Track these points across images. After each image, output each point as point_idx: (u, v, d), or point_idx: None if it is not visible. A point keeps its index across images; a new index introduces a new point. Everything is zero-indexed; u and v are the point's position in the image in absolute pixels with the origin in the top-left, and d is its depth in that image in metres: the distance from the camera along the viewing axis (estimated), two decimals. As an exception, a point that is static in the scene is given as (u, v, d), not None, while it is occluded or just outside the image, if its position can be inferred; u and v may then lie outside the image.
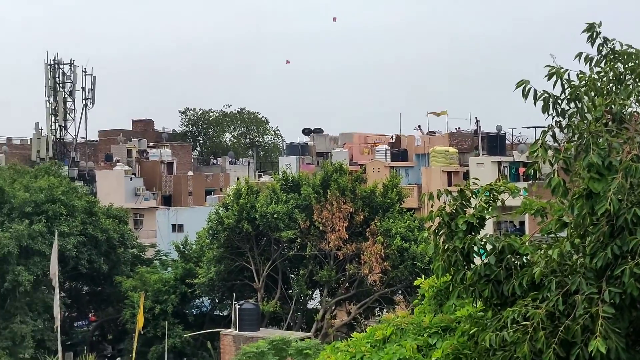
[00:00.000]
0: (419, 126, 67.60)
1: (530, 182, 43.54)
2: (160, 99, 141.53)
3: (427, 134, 66.28)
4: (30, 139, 77.05)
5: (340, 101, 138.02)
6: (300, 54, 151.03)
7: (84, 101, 78.32)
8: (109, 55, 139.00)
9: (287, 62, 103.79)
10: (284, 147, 78.82)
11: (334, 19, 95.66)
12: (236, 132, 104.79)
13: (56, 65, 77.34)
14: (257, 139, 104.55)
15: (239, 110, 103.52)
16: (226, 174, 78.59)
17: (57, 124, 77.01)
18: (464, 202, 8.46)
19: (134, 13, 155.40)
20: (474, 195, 8.55)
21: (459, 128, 66.84)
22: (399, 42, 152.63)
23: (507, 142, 61.60)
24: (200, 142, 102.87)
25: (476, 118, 65.44)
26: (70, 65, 78.05)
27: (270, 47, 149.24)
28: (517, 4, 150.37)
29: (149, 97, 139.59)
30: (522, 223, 47.22)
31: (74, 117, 78.18)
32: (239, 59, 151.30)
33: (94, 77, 78.74)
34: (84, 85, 78.34)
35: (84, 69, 78.49)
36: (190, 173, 77.99)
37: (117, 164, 74.87)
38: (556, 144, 8.03)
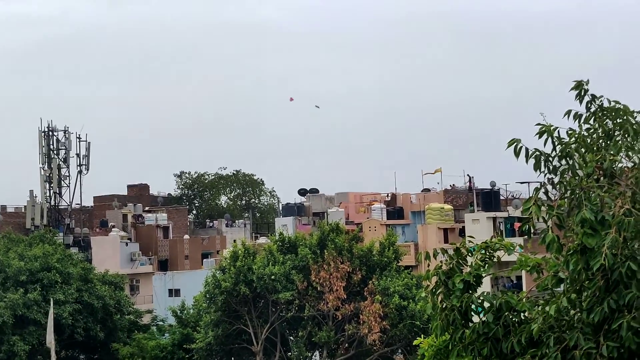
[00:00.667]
0: None
1: (525, 237, 43.43)
2: (155, 163, 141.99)
3: (422, 191, 66.47)
4: (25, 206, 76.98)
5: (336, 161, 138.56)
6: (295, 114, 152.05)
7: (78, 167, 78.48)
8: (103, 120, 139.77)
9: (291, 99, 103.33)
10: (280, 208, 78.89)
11: (291, 99, 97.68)
12: (232, 195, 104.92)
13: (50, 133, 77.70)
14: (253, 200, 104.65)
15: (235, 172, 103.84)
16: (222, 237, 78.48)
17: (51, 191, 77.05)
18: (460, 261, 8.52)
19: (126, 80, 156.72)
20: (469, 253, 8.62)
21: (453, 185, 67.07)
22: (391, 100, 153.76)
23: (501, 197, 61.78)
24: (196, 205, 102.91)
25: (469, 175, 65.66)
26: (65, 132, 78.43)
27: (267, 108, 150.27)
28: (504, 63, 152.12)
29: (143, 162, 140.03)
30: (519, 278, 47.10)
31: (69, 183, 78.31)
32: (235, 120, 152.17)
33: (89, 143, 79.05)
34: (78, 152, 78.61)
35: (78, 135, 78.85)
36: (186, 237, 77.85)
37: (113, 229, 74.75)
38: (549, 201, 8.12)
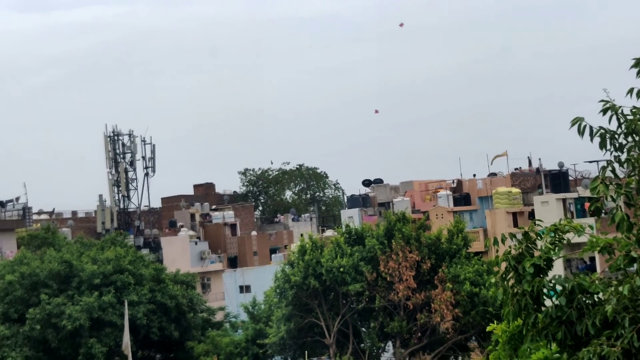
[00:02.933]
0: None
1: (596, 217, 42.72)
2: (220, 161, 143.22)
3: (488, 175, 65.82)
4: (95, 211, 78.39)
5: (398, 150, 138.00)
6: (358, 104, 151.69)
7: (144, 170, 79.64)
8: (167, 121, 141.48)
9: (376, 111, 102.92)
10: (345, 200, 78.93)
11: (376, 111, 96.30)
12: (296, 189, 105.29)
13: (115, 137, 78.95)
14: (318, 194, 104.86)
15: (298, 166, 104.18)
16: (289, 232, 78.87)
17: (120, 195, 78.35)
18: (530, 245, 8.41)
19: (186, 79, 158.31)
20: (539, 237, 8.49)
21: (518, 168, 66.28)
22: (457, 89, 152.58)
23: (570, 178, 60.83)
24: (262, 201, 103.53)
25: (529, 158, 64.74)
26: (130, 136, 79.62)
27: (329, 100, 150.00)
28: (572, 32, 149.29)
29: (208, 161, 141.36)
30: (592, 259, 46.37)
31: (136, 186, 79.52)
32: (294, 112, 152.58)
33: (153, 145, 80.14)
34: (144, 154, 79.76)
35: (143, 139, 79.99)
36: (254, 233, 78.41)
37: (182, 229, 75.69)
38: (617, 179, 7.96)
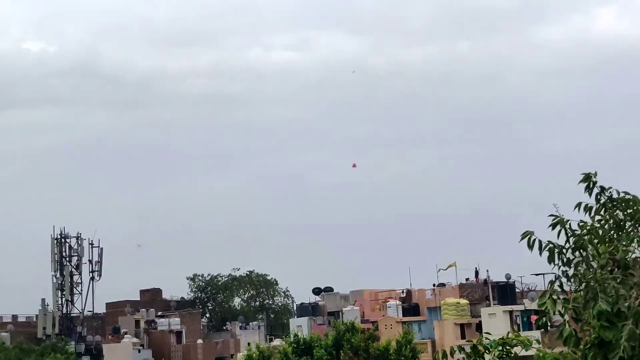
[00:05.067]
0: None
1: (542, 331, 42.91)
2: (168, 266, 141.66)
3: (437, 286, 65.99)
4: (36, 315, 76.61)
5: (350, 258, 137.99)
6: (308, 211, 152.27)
7: (90, 274, 78.44)
8: (116, 224, 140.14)
9: (354, 165, 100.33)
10: (295, 308, 78.29)
11: (354, 165, 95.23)
12: (246, 296, 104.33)
13: (63, 239, 77.94)
14: (267, 301, 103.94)
15: (248, 273, 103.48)
16: (237, 340, 77.62)
17: (63, 299, 76.80)
18: (478, 358, 8.41)
19: (136, 184, 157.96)
20: (487, 350, 8.51)
21: (468, 279, 66.66)
22: (403, 197, 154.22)
23: (517, 290, 61.23)
24: (210, 308, 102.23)
25: (476, 268, 65.30)
26: (77, 239, 78.66)
27: (277, 206, 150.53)
28: (518, 154, 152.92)
29: (156, 266, 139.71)
30: (540, 372, 46.30)
31: (81, 290, 78.12)
32: (247, 221, 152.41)
33: (101, 249, 79.16)
34: (90, 258, 78.69)
35: (90, 242, 79.04)
36: (200, 341, 77.06)
37: (125, 336, 74.14)
38: (564, 294, 8.05)
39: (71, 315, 77.22)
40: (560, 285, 8.08)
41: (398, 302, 63.53)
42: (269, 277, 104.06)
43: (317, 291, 72.63)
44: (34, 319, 77.49)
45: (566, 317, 7.69)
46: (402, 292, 66.49)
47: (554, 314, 7.73)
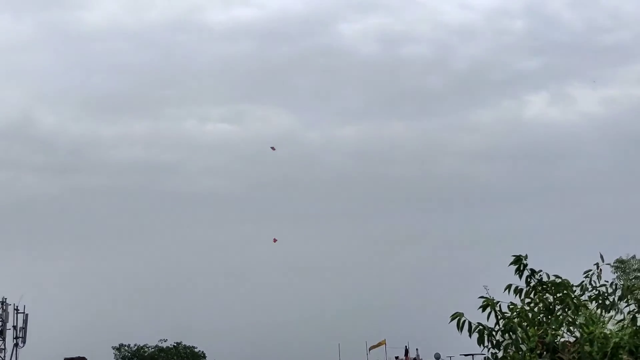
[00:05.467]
0: None
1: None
2: (95, 333, 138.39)
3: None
4: (-43, 382, 74.07)
5: (280, 334, 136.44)
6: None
7: (14, 340, 76.24)
8: (41, 290, 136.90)
9: (273, 148, 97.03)
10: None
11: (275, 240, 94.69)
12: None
13: (-14, 305, 75.86)
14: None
15: (175, 344, 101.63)
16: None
17: (-15, 365, 74.46)
18: None
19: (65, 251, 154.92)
20: None
21: (397, 357, 66.50)
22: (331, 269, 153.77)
23: (446, 370, 61.27)
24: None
25: (406, 347, 65.25)
26: (2, 304, 76.57)
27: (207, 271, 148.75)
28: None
29: (83, 333, 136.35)
30: None
31: (4, 357, 75.78)
32: (176, 290, 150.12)
33: (26, 315, 77.13)
34: (15, 324, 76.55)
35: (16, 307, 76.99)
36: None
37: (47, 405, 71.93)
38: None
39: (-9, 383, 74.82)
40: (490, 368, 8.12)
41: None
42: (196, 349, 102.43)
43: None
44: (-48, 386, 74.80)
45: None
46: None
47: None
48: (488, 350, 8.20)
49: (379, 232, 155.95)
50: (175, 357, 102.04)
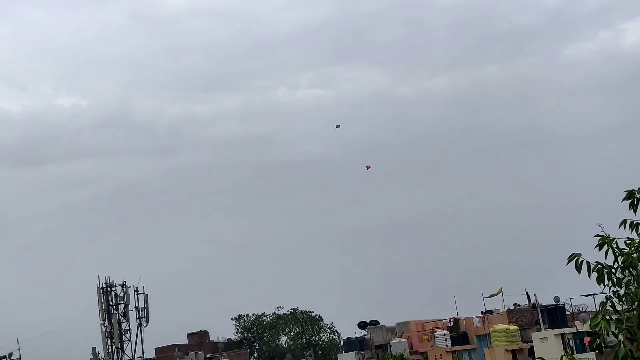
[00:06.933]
0: None
1: (597, 352, 42.24)
2: (214, 307, 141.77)
3: (484, 313, 65.29)
4: (89, 364, 77.04)
5: (393, 291, 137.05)
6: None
7: (138, 320, 78.70)
8: (159, 269, 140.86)
9: (338, 126, 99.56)
10: (342, 344, 77.81)
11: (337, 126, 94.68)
12: (292, 334, 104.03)
13: (108, 288, 78.44)
14: (314, 337, 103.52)
15: (292, 310, 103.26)
16: (286, 378, 77.32)
17: (113, 347, 77.17)
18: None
19: (174, 228, 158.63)
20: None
21: (516, 304, 65.88)
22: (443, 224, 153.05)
23: (567, 312, 60.37)
24: (257, 347, 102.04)
25: (527, 293, 64.43)
26: (122, 287, 79.08)
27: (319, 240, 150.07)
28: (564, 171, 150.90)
29: (202, 308, 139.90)
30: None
31: (130, 337, 78.41)
32: (289, 257, 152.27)
33: (146, 295, 79.49)
34: (137, 305, 79.01)
35: (135, 289, 79.40)
36: (250, 381, 76.82)
37: (176, 379, 74.22)
38: (617, 314, 7.94)
39: (121, 362, 77.53)
40: (612, 306, 7.98)
41: (446, 331, 62.94)
42: (313, 314, 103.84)
43: (362, 325, 72.18)
44: (86, 368, 77.85)
45: (620, 337, 7.57)
46: (449, 321, 65.88)
47: (608, 334, 7.62)
48: (609, 289, 8.05)
49: (481, 182, 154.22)
50: (293, 323, 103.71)
